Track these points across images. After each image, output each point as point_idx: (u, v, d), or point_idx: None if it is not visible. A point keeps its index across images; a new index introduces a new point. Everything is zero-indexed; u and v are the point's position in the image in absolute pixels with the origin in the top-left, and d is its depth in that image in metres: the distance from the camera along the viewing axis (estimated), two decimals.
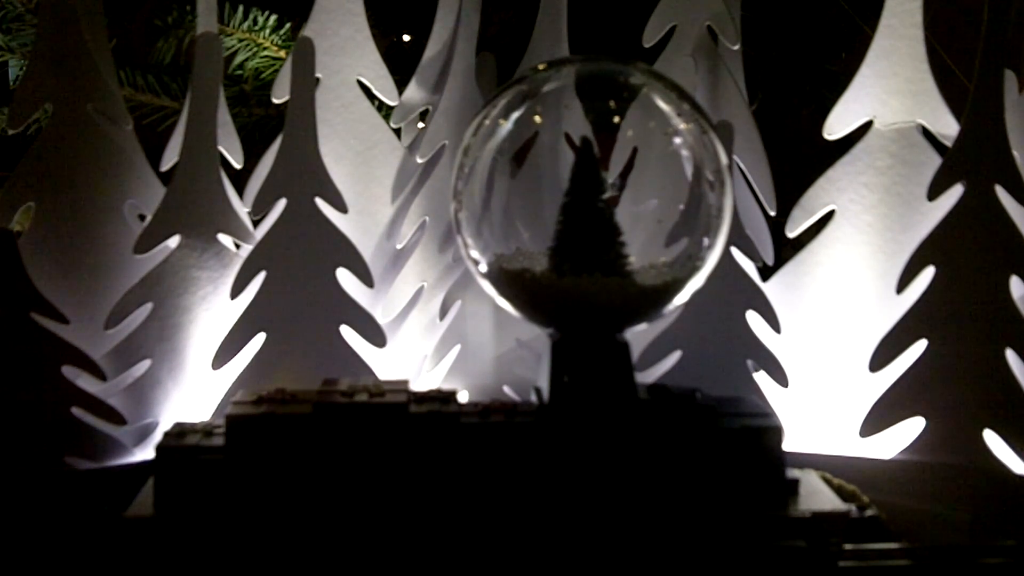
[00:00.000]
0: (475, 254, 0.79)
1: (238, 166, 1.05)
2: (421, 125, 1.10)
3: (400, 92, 1.06)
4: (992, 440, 0.92)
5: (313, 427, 0.74)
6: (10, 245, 0.89)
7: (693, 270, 0.78)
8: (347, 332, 0.95)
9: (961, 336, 0.92)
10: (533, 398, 0.79)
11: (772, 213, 1.05)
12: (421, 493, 0.74)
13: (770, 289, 0.99)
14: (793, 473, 0.77)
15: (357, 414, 0.75)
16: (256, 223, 0.99)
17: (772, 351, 0.96)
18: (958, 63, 1.12)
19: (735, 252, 0.96)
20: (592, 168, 0.76)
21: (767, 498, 0.75)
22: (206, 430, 0.77)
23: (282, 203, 0.95)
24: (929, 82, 0.98)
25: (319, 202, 0.94)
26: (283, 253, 0.94)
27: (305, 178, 0.94)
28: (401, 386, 0.79)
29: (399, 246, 1.04)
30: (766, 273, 1.02)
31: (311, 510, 0.74)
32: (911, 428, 0.93)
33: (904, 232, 0.98)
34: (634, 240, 0.76)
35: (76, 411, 0.91)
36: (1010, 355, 0.92)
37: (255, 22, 1.29)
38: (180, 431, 0.77)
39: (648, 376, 0.96)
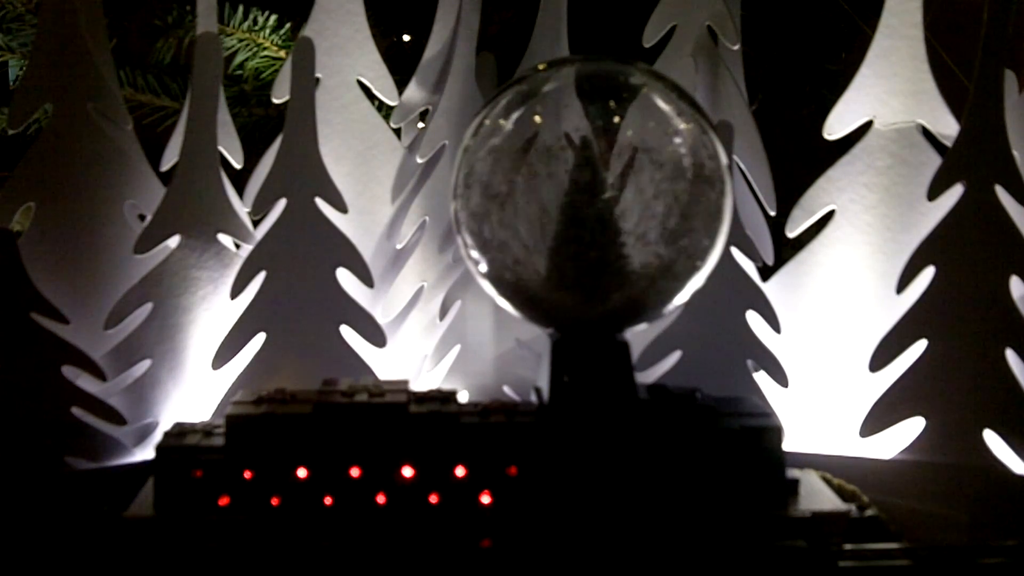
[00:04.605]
0: (475, 254, 0.79)
1: (238, 166, 1.05)
2: (421, 125, 1.10)
3: (400, 92, 1.06)
4: (992, 440, 0.92)
5: (313, 427, 0.74)
6: (10, 245, 0.89)
7: (693, 270, 0.78)
8: (347, 332, 0.95)
9: (961, 336, 0.92)
10: (533, 398, 0.79)
11: (772, 213, 1.05)
12: (421, 493, 0.74)
13: (770, 289, 0.99)
14: (793, 473, 0.77)
15: (357, 414, 0.75)
16: (256, 223, 0.99)
17: (772, 351, 0.96)
18: (958, 63, 1.12)
19: (735, 252, 0.96)
20: (592, 168, 0.76)
21: (767, 498, 0.75)
22: (206, 430, 0.77)
23: (282, 203, 0.95)
24: (929, 82, 0.98)
25: (319, 202, 0.95)
26: (283, 253, 0.94)
27: (305, 178, 0.94)
28: (401, 386, 0.79)
29: (399, 246, 1.04)
30: (766, 273, 1.02)
31: (311, 510, 0.74)
32: (911, 428, 0.93)
33: (904, 232, 0.98)
34: (634, 240, 0.76)
35: (76, 411, 0.91)
36: (1010, 355, 0.92)
37: (255, 22, 1.29)
38: (180, 431, 0.77)
39: (648, 376, 0.96)
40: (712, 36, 1.05)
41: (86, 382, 0.92)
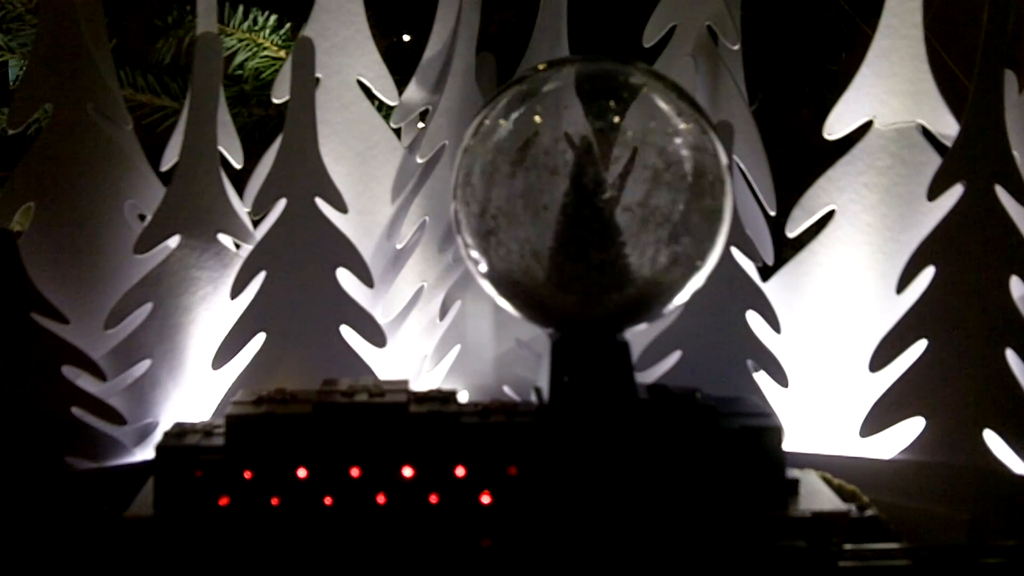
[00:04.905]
0: (475, 254, 0.79)
1: (238, 166, 1.06)
2: (421, 125, 1.10)
3: (400, 92, 1.06)
4: (992, 440, 0.92)
5: (313, 427, 0.74)
6: (10, 245, 0.89)
7: (693, 270, 0.78)
8: (347, 332, 0.95)
9: (961, 336, 0.92)
10: (533, 398, 0.79)
11: (772, 213, 1.05)
12: (421, 493, 0.74)
13: (770, 289, 0.99)
14: (793, 473, 0.77)
15: (357, 414, 0.75)
16: (256, 223, 0.99)
17: (772, 351, 0.96)
18: (958, 63, 1.12)
19: (735, 252, 0.96)
20: (592, 168, 0.76)
21: (767, 498, 0.75)
22: (206, 430, 0.77)
23: (282, 203, 0.95)
24: (929, 82, 0.98)
25: (319, 202, 0.95)
26: (283, 253, 0.94)
27: (305, 178, 0.94)
28: (401, 386, 0.79)
29: (399, 246, 1.04)
30: (766, 273, 1.02)
31: (311, 510, 0.74)
32: (911, 428, 0.93)
33: (904, 232, 0.98)
34: (634, 240, 0.76)
35: (76, 411, 0.91)
36: (1010, 355, 0.92)
37: (255, 22, 1.29)
38: (180, 431, 0.77)
39: (648, 376, 0.96)
40: (712, 36, 1.05)
41: (86, 382, 0.92)
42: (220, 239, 0.96)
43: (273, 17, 1.29)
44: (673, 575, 0.73)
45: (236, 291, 0.94)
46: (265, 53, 1.30)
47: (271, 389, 0.78)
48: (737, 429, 0.75)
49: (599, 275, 0.76)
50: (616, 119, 0.78)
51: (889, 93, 0.98)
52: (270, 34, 1.29)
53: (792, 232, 1.02)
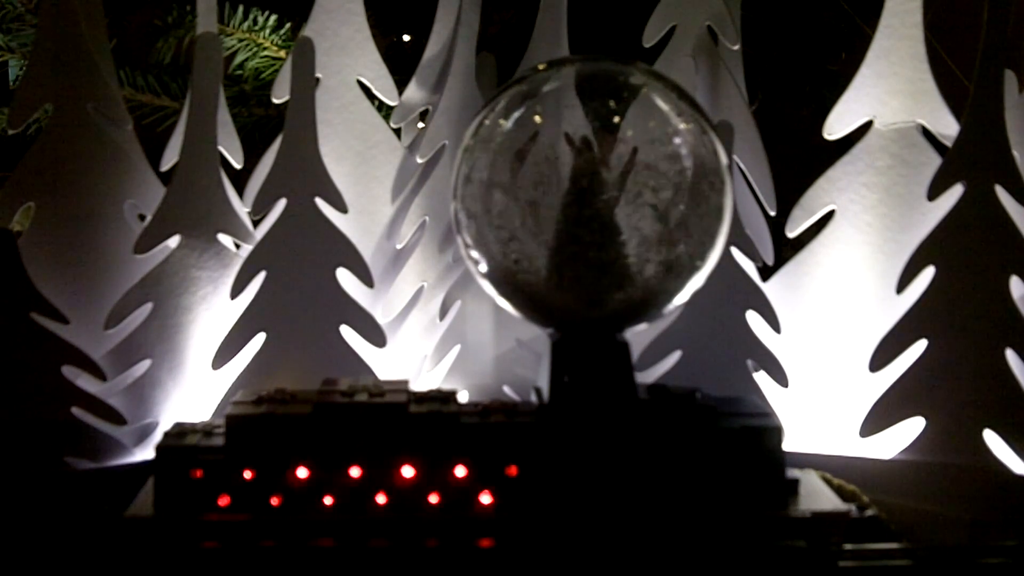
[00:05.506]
0: (475, 254, 0.79)
1: (238, 166, 1.05)
2: (421, 125, 1.10)
3: (400, 92, 1.06)
4: (992, 440, 0.92)
5: (313, 427, 0.74)
6: (10, 245, 0.89)
7: (693, 270, 0.78)
8: (347, 332, 0.95)
9: (961, 336, 0.92)
10: (533, 398, 0.79)
11: (772, 213, 1.05)
12: (421, 493, 0.74)
13: (770, 289, 0.99)
14: (793, 473, 0.77)
15: (357, 414, 0.75)
16: (256, 223, 0.99)
17: (772, 351, 0.96)
18: (958, 63, 1.12)
19: (735, 252, 0.96)
20: (592, 168, 0.76)
21: (767, 498, 0.75)
22: (206, 430, 0.77)
23: (282, 203, 0.95)
24: (929, 82, 0.98)
25: (319, 202, 0.95)
26: (283, 253, 0.94)
27: (305, 178, 0.94)
28: (401, 386, 0.79)
29: (399, 246, 1.04)
30: (766, 273, 1.02)
31: (311, 510, 0.74)
32: (911, 428, 0.93)
33: (904, 232, 0.98)
34: (634, 240, 0.76)
35: (76, 411, 0.91)
36: (1010, 355, 0.92)
37: (255, 22, 1.29)
38: (180, 431, 0.77)
39: (648, 376, 0.96)
40: (712, 36, 1.05)
41: (86, 382, 0.92)
42: (220, 239, 0.96)
43: (273, 17, 1.29)
44: (673, 575, 0.73)
45: (236, 291, 0.94)
46: (265, 53, 1.30)
47: (271, 389, 0.79)
48: (737, 429, 0.75)
49: (599, 275, 0.77)
50: (616, 119, 0.78)
51: (889, 93, 0.98)
52: (270, 34, 1.29)
53: (792, 232, 1.02)
